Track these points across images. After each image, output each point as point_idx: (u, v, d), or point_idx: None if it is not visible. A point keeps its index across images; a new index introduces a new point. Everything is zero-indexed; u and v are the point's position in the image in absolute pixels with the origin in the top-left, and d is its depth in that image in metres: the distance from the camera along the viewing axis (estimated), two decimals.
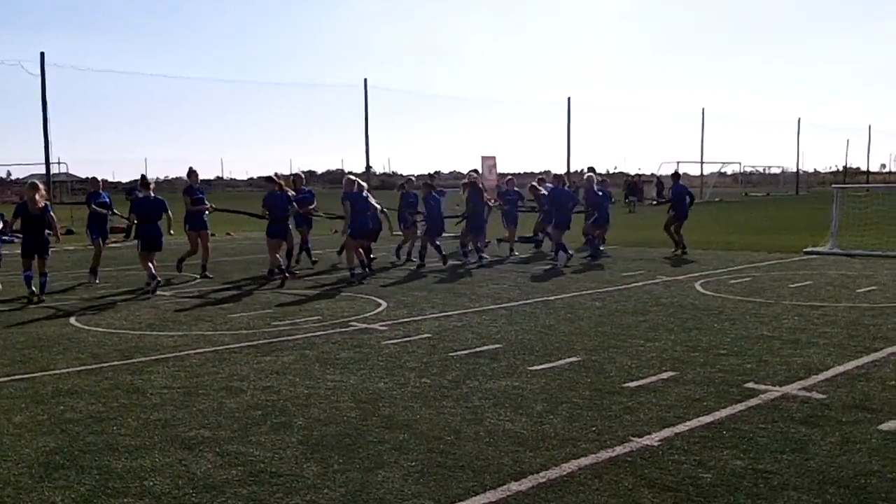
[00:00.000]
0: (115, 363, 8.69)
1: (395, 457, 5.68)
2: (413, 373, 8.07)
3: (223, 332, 10.40)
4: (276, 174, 16.19)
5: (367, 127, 35.91)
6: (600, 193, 19.59)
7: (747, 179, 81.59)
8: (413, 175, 18.74)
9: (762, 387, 7.38)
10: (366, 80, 36.22)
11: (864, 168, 78.12)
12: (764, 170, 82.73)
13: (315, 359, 8.76)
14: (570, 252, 17.87)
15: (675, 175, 23.24)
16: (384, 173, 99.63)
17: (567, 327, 10.40)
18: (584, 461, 5.55)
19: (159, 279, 14.13)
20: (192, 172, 16.99)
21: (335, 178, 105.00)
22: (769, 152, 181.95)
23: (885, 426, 6.24)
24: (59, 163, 45.37)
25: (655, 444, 5.91)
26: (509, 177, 22.42)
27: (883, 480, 5.19)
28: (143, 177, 14.87)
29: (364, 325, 10.67)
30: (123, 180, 77.17)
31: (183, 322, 11.14)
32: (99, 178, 17.07)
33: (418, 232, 18.85)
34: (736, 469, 5.40)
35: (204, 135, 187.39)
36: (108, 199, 16.37)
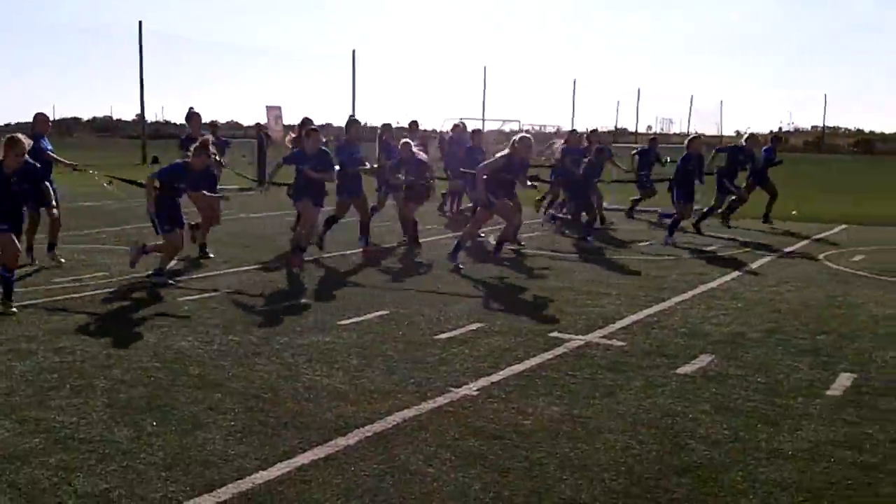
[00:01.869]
0: None
1: (213, 417, 5.46)
2: (217, 329, 7.77)
3: None
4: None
5: (141, 74, 34.28)
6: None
7: None
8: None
9: (566, 336, 7.66)
10: (140, 23, 34.49)
11: (632, 129, 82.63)
12: (541, 128, 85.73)
13: (108, 317, 8.28)
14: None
15: (775, 139, 19.34)
16: (156, 122, 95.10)
17: (371, 281, 10.37)
18: (407, 413, 5.56)
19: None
20: (192, 115, 12.75)
21: (104, 125, 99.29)
22: (547, 111, 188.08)
23: (681, 370, 6.65)
24: None
25: (474, 393, 6.00)
26: (587, 130, 18.36)
27: (687, 420, 5.52)
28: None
29: (155, 281, 10.17)
30: None
31: None
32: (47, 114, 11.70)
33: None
34: (553, 415, 5.58)
35: None
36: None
